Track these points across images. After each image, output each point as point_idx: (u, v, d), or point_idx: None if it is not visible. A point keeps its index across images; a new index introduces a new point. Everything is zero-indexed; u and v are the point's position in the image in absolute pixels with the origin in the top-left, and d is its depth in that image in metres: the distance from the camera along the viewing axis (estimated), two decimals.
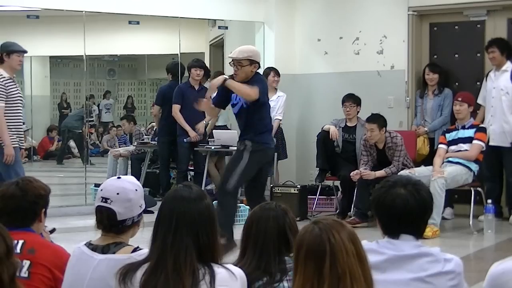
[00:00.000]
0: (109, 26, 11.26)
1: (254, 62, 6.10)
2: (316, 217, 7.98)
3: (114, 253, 2.81)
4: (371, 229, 7.46)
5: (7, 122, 6.74)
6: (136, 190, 2.90)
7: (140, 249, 2.81)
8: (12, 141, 6.77)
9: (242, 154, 6.15)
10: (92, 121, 14.53)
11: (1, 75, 6.76)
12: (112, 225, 2.85)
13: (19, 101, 6.93)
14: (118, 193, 2.85)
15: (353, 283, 2.18)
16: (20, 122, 7.01)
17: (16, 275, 2.34)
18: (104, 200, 2.85)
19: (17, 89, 6.92)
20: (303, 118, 9.88)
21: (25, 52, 6.97)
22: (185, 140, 8.82)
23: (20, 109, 6.98)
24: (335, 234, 2.21)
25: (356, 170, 7.84)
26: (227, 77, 6.15)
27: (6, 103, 6.73)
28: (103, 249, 2.83)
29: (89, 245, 2.88)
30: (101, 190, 2.89)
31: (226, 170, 6.36)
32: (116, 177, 2.97)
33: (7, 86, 6.74)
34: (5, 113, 6.71)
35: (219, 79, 6.14)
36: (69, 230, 7.63)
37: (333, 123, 8.52)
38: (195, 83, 8.97)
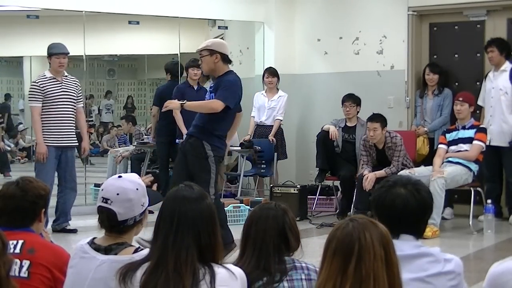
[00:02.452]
0: (109, 26, 11.25)
1: (214, 52, 5.92)
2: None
3: (116, 254, 2.80)
4: None
5: (44, 122, 7.16)
6: (137, 189, 2.87)
7: (142, 249, 2.80)
8: (48, 141, 7.17)
9: (208, 163, 5.88)
10: (92, 121, 14.53)
11: (44, 75, 7.21)
12: (113, 225, 2.84)
13: (59, 101, 7.23)
14: (118, 194, 2.82)
15: None
16: (58, 121, 7.24)
17: (14, 275, 2.35)
18: (104, 200, 2.84)
19: (58, 90, 7.22)
20: (303, 118, 9.88)
21: (65, 53, 7.30)
22: (177, 141, 8.77)
23: (61, 108, 7.25)
24: (366, 234, 2.17)
25: (366, 175, 7.69)
26: (183, 102, 6.04)
27: (43, 103, 7.14)
28: (106, 250, 2.82)
29: (92, 243, 2.86)
30: (102, 190, 2.87)
31: (199, 182, 5.96)
32: (117, 176, 2.92)
33: (44, 87, 7.15)
34: (42, 112, 7.14)
35: (175, 107, 6.18)
36: (69, 230, 7.63)
37: (333, 123, 8.53)
38: (193, 83, 8.97)
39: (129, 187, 2.85)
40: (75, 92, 7.39)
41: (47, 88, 7.19)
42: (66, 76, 7.37)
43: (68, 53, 7.35)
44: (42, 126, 7.18)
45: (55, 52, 7.27)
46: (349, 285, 2.13)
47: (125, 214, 2.83)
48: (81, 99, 7.56)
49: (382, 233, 2.21)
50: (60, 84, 7.26)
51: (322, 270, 2.21)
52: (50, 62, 7.31)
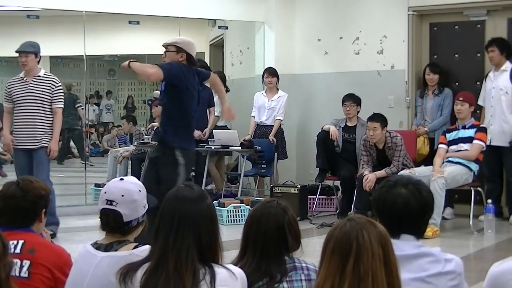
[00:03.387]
0: (109, 26, 11.26)
1: (181, 51, 5.77)
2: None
3: (116, 250, 2.82)
4: None
5: (13, 123, 7.07)
6: (140, 190, 2.92)
7: (142, 245, 2.81)
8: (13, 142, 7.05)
9: (178, 170, 5.68)
10: (92, 121, 14.54)
11: (18, 75, 7.08)
12: (118, 226, 2.87)
13: (22, 103, 7.03)
14: (123, 195, 2.86)
15: (375, 287, 2.14)
16: (21, 123, 7.08)
17: (14, 275, 2.35)
18: (109, 202, 2.86)
19: (21, 91, 7.03)
20: (303, 118, 9.88)
21: (25, 52, 7.04)
22: None
23: (24, 110, 7.05)
24: (364, 234, 2.17)
25: (367, 175, 7.69)
26: (132, 60, 5.83)
27: (8, 103, 7.03)
28: (106, 247, 2.85)
29: (94, 244, 2.90)
30: (105, 192, 2.88)
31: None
32: (118, 178, 2.96)
33: (9, 88, 7.04)
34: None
35: (124, 63, 5.85)
36: (69, 230, 7.64)
37: (333, 123, 8.53)
38: None
39: (133, 188, 2.89)
40: (46, 93, 7.02)
41: (12, 90, 7.03)
42: (39, 76, 7.04)
43: (30, 52, 7.00)
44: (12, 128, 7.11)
45: (16, 51, 7.02)
46: (347, 283, 2.13)
47: (130, 215, 2.87)
48: (59, 99, 7.10)
49: (380, 233, 2.21)
50: (26, 85, 7.00)
51: (320, 269, 2.22)
52: None
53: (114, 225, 2.86)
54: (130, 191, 2.87)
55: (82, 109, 13.45)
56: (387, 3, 9.09)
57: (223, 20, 10.54)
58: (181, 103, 5.75)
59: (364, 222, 2.22)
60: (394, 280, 2.18)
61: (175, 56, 5.79)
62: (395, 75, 8.97)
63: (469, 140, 7.60)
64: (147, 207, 2.95)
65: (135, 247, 2.82)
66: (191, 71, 5.82)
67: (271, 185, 8.68)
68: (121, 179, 2.95)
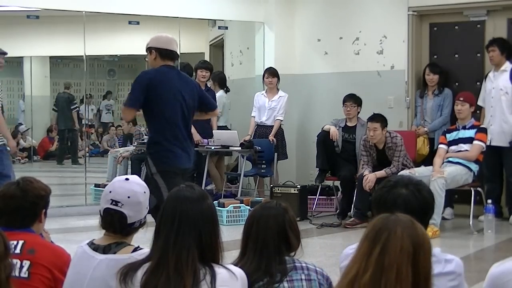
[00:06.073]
0: (109, 26, 11.26)
1: (151, 49, 5.38)
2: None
3: (115, 253, 2.82)
4: None
5: None
6: (145, 192, 2.93)
7: (141, 248, 2.81)
8: None
9: (155, 180, 5.25)
10: (91, 120, 14.54)
11: None
12: (122, 228, 2.87)
13: None
14: (129, 197, 2.86)
15: (397, 281, 2.07)
16: None
17: (14, 275, 2.34)
18: (114, 202, 2.85)
19: None
20: (303, 118, 9.88)
21: (3, 53, 7.08)
22: None
23: None
24: (398, 228, 2.13)
25: (367, 176, 7.67)
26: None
27: None
28: (104, 249, 2.84)
29: (91, 244, 2.88)
30: (110, 192, 2.88)
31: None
32: (123, 178, 2.94)
33: None
34: None
35: None
36: (69, 230, 7.64)
37: (333, 123, 8.53)
38: (201, 84, 9.04)
39: (139, 190, 2.89)
40: None
41: None
42: None
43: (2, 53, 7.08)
44: None
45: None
46: (370, 271, 2.10)
47: (134, 217, 2.87)
48: None
49: (418, 234, 2.15)
50: None
51: (355, 252, 2.19)
52: None
53: (118, 226, 2.86)
54: (136, 193, 2.88)
55: (78, 111, 13.45)
56: (387, 3, 9.09)
57: (223, 20, 10.54)
58: (154, 114, 5.34)
59: (404, 220, 2.17)
60: (421, 283, 2.11)
61: (150, 58, 5.43)
62: (395, 75, 8.97)
63: (469, 140, 7.60)
64: (148, 208, 2.95)
65: (134, 249, 2.82)
66: (166, 72, 5.35)
67: (271, 185, 8.67)
68: (127, 179, 2.93)
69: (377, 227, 2.16)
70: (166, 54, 5.41)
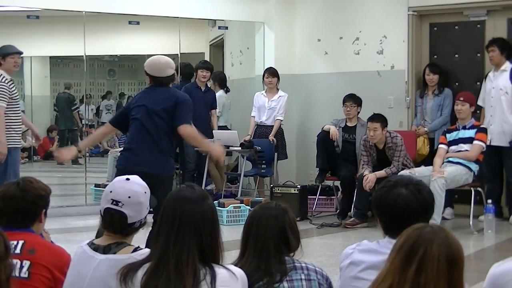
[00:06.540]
0: (109, 26, 11.26)
1: (147, 74, 5.44)
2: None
3: (115, 253, 2.82)
4: (371, 229, 7.48)
5: (9, 122, 6.87)
6: (145, 192, 2.92)
7: (141, 248, 2.81)
8: (15, 141, 6.93)
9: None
10: (91, 120, 14.54)
11: (3, 76, 6.91)
12: (122, 228, 2.87)
13: (19, 102, 7.08)
14: (129, 197, 2.85)
15: None
16: (20, 122, 7.07)
17: (14, 275, 2.34)
18: (114, 202, 2.85)
19: (17, 90, 7.06)
20: (303, 118, 9.88)
21: (20, 53, 7.07)
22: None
23: (19, 110, 7.09)
24: (434, 247, 2.10)
25: (367, 176, 7.67)
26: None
27: (8, 104, 6.86)
28: (104, 249, 2.84)
29: (91, 244, 2.88)
30: (111, 192, 2.87)
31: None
32: (124, 178, 2.94)
33: (10, 88, 6.90)
34: (7, 113, 6.83)
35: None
36: (69, 230, 7.65)
37: (333, 123, 8.53)
38: (201, 84, 9.09)
39: (139, 190, 2.89)
40: None
41: (12, 89, 6.91)
42: None
43: (21, 53, 7.05)
44: (10, 128, 6.87)
45: (10, 52, 6.98)
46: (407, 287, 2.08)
47: (134, 217, 2.87)
48: None
49: (453, 251, 2.12)
50: (15, 85, 7.01)
51: (387, 262, 2.17)
52: (2, 64, 6.93)
53: (118, 226, 2.86)
54: (136, 193, 2.87)
55: (78, 111, 13.46)
56: (387, 3, 9.09)
57: (223, 20, 10.54)
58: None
59: (440, 234, 2.14)
60: None
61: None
62: (395, 75, 8.97)
63: (469, 140, 7.60)
64: (149, 208, 2.95)
65: (134, 250, 2.82)
66: (148, 95, 5.39)
67: (271, 185, 8.68)
68: (127, 179, 2.92)
69: (411, 241, 2.13)
70: (160, 81, 5.34)
